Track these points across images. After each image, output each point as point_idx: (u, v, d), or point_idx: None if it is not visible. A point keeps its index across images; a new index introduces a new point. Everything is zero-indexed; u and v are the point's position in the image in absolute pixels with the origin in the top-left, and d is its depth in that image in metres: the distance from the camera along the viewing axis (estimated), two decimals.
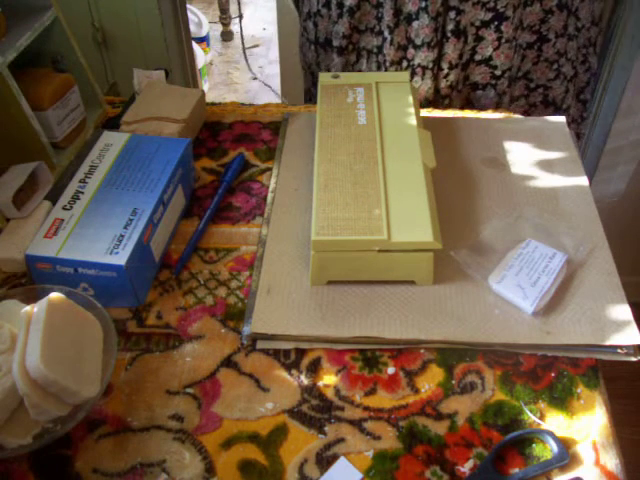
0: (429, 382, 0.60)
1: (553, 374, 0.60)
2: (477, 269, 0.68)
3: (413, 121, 0.78)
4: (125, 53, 1.35)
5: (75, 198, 0.70)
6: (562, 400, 0.59)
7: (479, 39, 0.96)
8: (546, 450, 0.55)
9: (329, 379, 0.61)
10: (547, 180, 0.79)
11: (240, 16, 2.39)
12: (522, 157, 0.83)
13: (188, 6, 1.43)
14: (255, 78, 2.49)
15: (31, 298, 0.60)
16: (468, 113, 0.93)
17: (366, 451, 0.56)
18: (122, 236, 0.66)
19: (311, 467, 0.55)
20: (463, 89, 1.02)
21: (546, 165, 0.81)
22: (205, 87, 2.44)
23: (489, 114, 0.93)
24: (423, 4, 0.91)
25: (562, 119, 0.88)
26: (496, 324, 0.63)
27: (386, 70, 1.00)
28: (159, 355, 0.63)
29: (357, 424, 0.57)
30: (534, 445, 0.56)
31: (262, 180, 0.83)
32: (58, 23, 0.81)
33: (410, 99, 0.82)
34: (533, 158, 0.82)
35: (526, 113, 1.08)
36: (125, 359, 0.63)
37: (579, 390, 0.59)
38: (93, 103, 0.90)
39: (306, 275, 0.68)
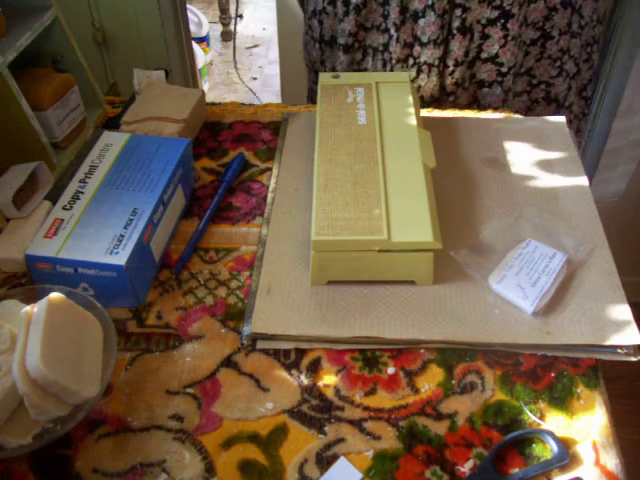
0: (429, 382, 0.60)
1: (553, 374, 0.60)
2: (477, 269, 0.68)
3: (413, 121, 0.78)
4: (125, 53, 1.35)
5: (75, 198, 0.70)
6: (562, 400, 0.59)
7: (485, 37, 0.96)
8: (546, 450, 0.55)
9: (329, 379, 0.61)
10: (547, 180, 0.79)
11: (237, 17, 2.38)
12: (522, 157, 0.83)
13: (188, 6, 1.44)
14: (251, 79, 2.49)
15: (31, 298, 0.60)
16: (468, 113, 0.93)
17: (366, 451, 0.56)
18: (122, 236, 0.66)
19: (311, 467, 0.55)
20: (469, 86, 1.03)
21: (546, 165, 0.81)
22: (205, 87, 2.44)
23: (489, 114, 0.93)
24: (429, 2, 0.92)
25: (562, 119, 0.88)
26: (496, 324, 0.63)
27: (392, 68, 1.01)
28: (159, 355, 0.63)
29: (357, 424, 0.57)
30: (534, 445, 0.56)
31: (262, 180, 0.83)
32: (58, 23, 0.81)
33: (410, 99, 0.82)
34: (533, 158, 0.82)
35: (528, 109, 1.08)
36: (125, 359, 0.63)
37: (579, 390, 0.59)
38: (93, 103, 0.90)
39: (306, 275, 0.68)
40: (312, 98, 1.22)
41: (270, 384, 0.60)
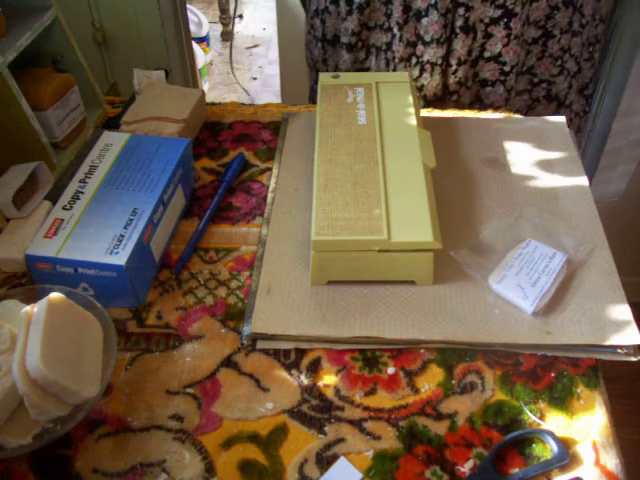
0: (429, 382, 0.60)
1: (553, 374, 0.60)
2: (477, 269, 0.68)
3: (413, 121, 0.78)
4: (125, 53, 1.35)
5: (75, 198, 0.70)
6: (562, 400, 0.59)
7: (488, 36, 0.97)
8: (546, 450, 0.55)
9: (329, 379, 0.61)
10: (547, 180, 0.79)
11: (234, 17, 2.38)
12: (522, 157, 0.83)
13: (188, 6, 1.43)
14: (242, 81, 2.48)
15: (31, 298, 0.60)
16: (468, 113, 0.93)
17: (366, 451, 0.56)
18: (122, 236, 0.66)
19: (311, 467, 0.55)
20: (472, 85, 1.03)
21: (546, 165, 0.81)
22: (205, 87, 2.44)
23: (489, 114, 0.93)
24: (432, 1, 0.92)
25: (562, 119, 0.88)
26: (496, 324, 0.63)
27: (395, 67, 1.01)
28: (159, 355, 0.63)
29: (357, 424, 0.57)
30: (534, 445, 0.56)
31: (262, 180, 0.83)
32: (58, 23, 0.81)
33: (410, 99, 0.82)
34: (533, 158, 0.82)
35: (529, 108, 1.09)
36: (125, 359, 0.63)
37: (579, 390, 0.59)
38: (93, 103, 0.90)
39: (306, 275, 0.68)
40: (314, 98, 1.22)
41: (270, 384, 0.60)
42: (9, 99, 0.73)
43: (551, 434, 0.55)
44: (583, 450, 0.55)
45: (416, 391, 0.60)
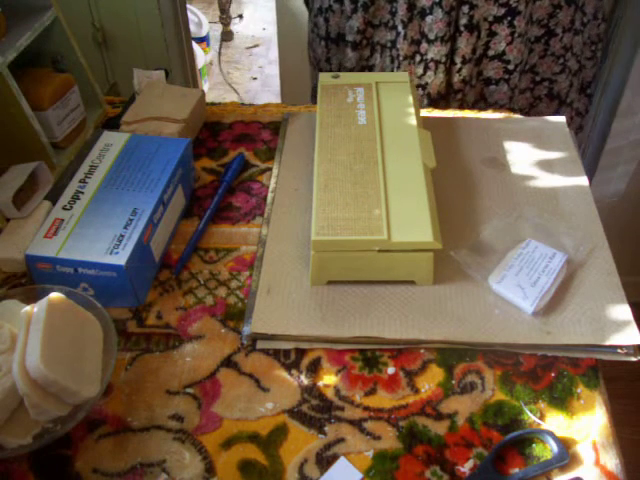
0: (429, 382, 0.60)
1: (553, 374, 0.60)
2: (477, 269, 0.68)
3: (413, 121, 0.78)
4: (125, 53, 1.35)
5: (75, 198, 0.70)
6: (562, 400, 0.59)
7: (492, 34, 0.97)
8: (546, 450, 0.55)
9: (329, 379, 0.61)
10: (547, 180, 0.79)
11: (230, 17, 2.38)
12: (522, 157, 0.83)
13: (188, 6, 1.44)
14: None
15: (31, 298, 0.60)
16: (468, 113, 0.93)
17: (366, 451, 0.56)
18: (122, 236, 0.66)
19: (311, 467, 0.55)
20: (476, 84, 1.03)
21: (546, 165, 0.81)
22: (205, 87, 2.44)
23: (489, 114, 0.93)
24: None
25: (562, 119, 0.88)
26: (496, 324, 0.63)
27: (399, 64, 1.01)
28: (159, 355, 0.63)
29: (357, 424, 0.57)
30: (534, 445, 0.56)
31: (262, 180, 0.83)
32: (58, 23, 0.81)
33: (410, 99, 0.82)
34: (533, 158, 0.82)
35: (531, 106, 1.09)
36: (125, 359, 0.63)
37: (579, 390, 0.59)
38: (93, 103, 0.90)
39: (306, 275, 0.68)
40: (316, 97, 1.23)
41: (270, 384, 0.60)
42: (9, 99, 0.73)
43: (551, 434, 0.55)
44: (583, 450, 0.55)
45: (416, 391, 0.60)
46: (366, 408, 0.58)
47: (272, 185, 0.80)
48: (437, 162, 0.74)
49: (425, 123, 0.82)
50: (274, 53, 2.60)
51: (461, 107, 1.04)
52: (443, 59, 0.98)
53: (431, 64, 0.99)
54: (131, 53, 1.35)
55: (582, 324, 0.63)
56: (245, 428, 0.57)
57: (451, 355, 0.62)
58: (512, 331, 0.63)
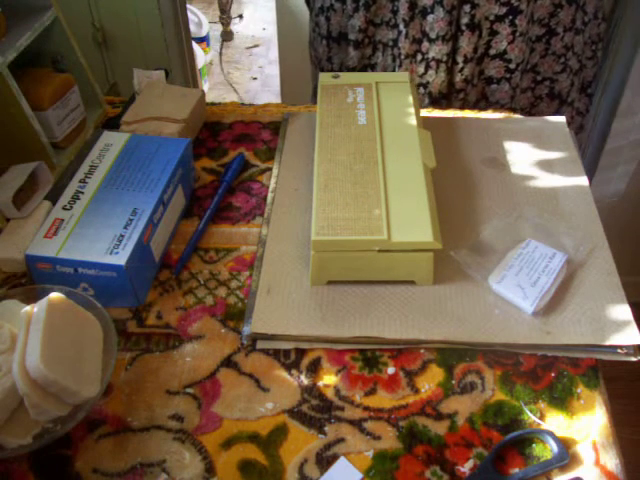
0: (429, 382, 0.60)
1: (553, 374, 0.60)
2: (477, 269, 0.68)
3: (413, 121, 0.78)
4: (125, 53, 1.35)
5: (75, 198, 0.70)
6: (562, 400, 0.59)
7: (494, 33, 0.97)
8: (546, 450, 0.55)
9: (329, 379, 0.61)
10: (547, 180, 0.79)
11: (230, 17, 2.37)
12: (522, 157, 0.83)
13: (188, 6, 1.43)
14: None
15: (31, 298, 0.60)
16: (468, 113, 0.93)
17: (366, 451, 0.56)
18: (122, 236, 0.66)
19: (311, 467, 0.55)
20: (478, 83, 1.03)
21: (546, 165, 0.81)
22: (205, 87, 2.44)
23: (489, 114, 0.93)
24: None
25: (562, 119, 0.88)
26: (496, 324, 0.63)
27: (401, 63, 1.01)
28: (159, 355, 0.63)
29: (357, 424, 0.57)
30: (534, 445, 0.56)
31: (262, 180, 0.83)
32: (58, 23, 0.81)
33: (410, 99, 0.82)
34: (533, 158, 0.82)
35: (532, 106, 1.09)
36: (125, 359, 0.63)
37: (579, 390, 0.59)
38: (93, 103, 0.90)
39: (306, 275, 0.68)
40: (317, 96, 1.23)
41: (270, 384, 0.60)
42: (9, 99, 0.73)
43: (551, 434, 0.55)
44: (583, 450, 0.55)
45: (416, 391, 0.60)
46: (366, 408, 0.58)
47: (272, 185, 0.80)
48: (437, 162, 0.74)
49: (425, 123, 0.82)
50: (274, 53, 2.60)
51: (463, 106, 1.04)
52: (444, 58, 0.98)
53: (432, 63, 0.99)
54: (131, 53, 1.35)
55: (582, 324, 0.63)
56: (245, 428, 0.57)
57: (451, 355, 0.62)
58: (512, 331, 0.63)
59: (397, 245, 0.64)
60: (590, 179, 0.91)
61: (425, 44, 0.98)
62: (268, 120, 0.92)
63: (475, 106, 1.06)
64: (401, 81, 0.85)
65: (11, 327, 0.57)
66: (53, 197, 0.73)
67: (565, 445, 0.54)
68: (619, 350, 0.61)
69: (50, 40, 0.82)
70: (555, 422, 0.57)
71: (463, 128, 0.88)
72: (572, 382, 0.60)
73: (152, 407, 0.59)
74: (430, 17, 0.95)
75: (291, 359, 0.62)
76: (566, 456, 0.53)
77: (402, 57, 1.01)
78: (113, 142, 0.78)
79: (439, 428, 0.57)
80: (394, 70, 1.04)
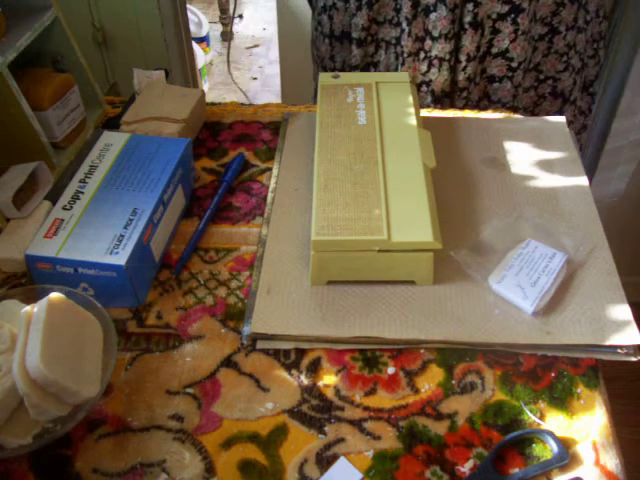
0: (429, 382, 0.60)
1: (553, 374, 0.60)
2: (477, 269, 0.68)
3: (413, 121, 0.78)
4: (125, 53, 1.35)
5: (75, 198, 0.70)
6: (562, 400, 0.59)
7: (496, 32, 0.97)
8: (546, 450, 0.55)
9: (329, 379, 0.61)
10: (547, 180, 0.79)
11: (230, 17, 2.37)
12: (522, 157, 0.83)
13: (188, 6, 1.43)
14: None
15: (31, 298, 0.60)
16: (468, 113, 0.93)
17: (366, 451, 0.56)
18: (122, 236, 0.66)
19: (311, 467, 0.55)
20: (480, 82, 1.03)
21: (546, 165, 0.81)
22: (205, 87, 2.44)
23: (489, 114, 0.93)
24: None
25: (562, 119, 0.88)
26: (496, 324, 0.63)
27: (404, 61, 1.01)
28: (159, 355, 0.63)
29: (357, 424, 0.57)
30: (534, 445, 0.56)
31: (262, 180, 0.83)
32: (58, 23, 0.81)
33: (410, 99, 0.82)
34: (533, 158, 0.82)
35: (535, 105, 1.09)
36: (125, 359, 0.63)
37: (579, 390, 0.59)
38: (93, 103, 0.90)
39: (306, 275, 0.68)
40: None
41: (270, 384, 0.60)
42: (9, 99, 0.73)
43: (551, 434, 0.55)
44: (583, 450, 0.55)
45: (416, 391, 0.60)
46: (366, 408, 0.58)
47: (272, 185, 0.80)
48: (437, 162, 0.74)
49: (425, 123, 0.82)
50: (274, 53, 2.60)
51: (465, 105, 1.04)
52: (447, 56, 0.98)
53: (435, 61, 0.99)
54: (131, 53, 1.35)
55: (582, 324, 0.63)
56: (245, 428, 0.57)
57: (451, 355, 0.62)
58: (512, 331, 0.63)
59: (397, 245, 0.64)
60: (590, 179, 0.91)
61: (428, 42, 0.98)
62: (268, 120, 0.92)
63: (477, 105, 1.06)
64: (401, 81, 0.85)
65: (11, 327, 0.57)
66: (53, 197, 0.73)
67: (565, 445, 0.55)
68: (619, 350, 0.61)
69: (50, 40, 0.82)
70: (555, 422, 0.57)
71: (463, 128, 0.88)
72: (572, 382, 0.60)
73: (152, 407, 0.59)
74: (433, 15, 0.95)
75: (291, 359, 0.62)
76: (566, 456, 0.53)
77: (405, 55, 1.01)
78: (113, 142, 0.78)
79: (439, 428, 0.57)
80: (397, 68, 1.04)
